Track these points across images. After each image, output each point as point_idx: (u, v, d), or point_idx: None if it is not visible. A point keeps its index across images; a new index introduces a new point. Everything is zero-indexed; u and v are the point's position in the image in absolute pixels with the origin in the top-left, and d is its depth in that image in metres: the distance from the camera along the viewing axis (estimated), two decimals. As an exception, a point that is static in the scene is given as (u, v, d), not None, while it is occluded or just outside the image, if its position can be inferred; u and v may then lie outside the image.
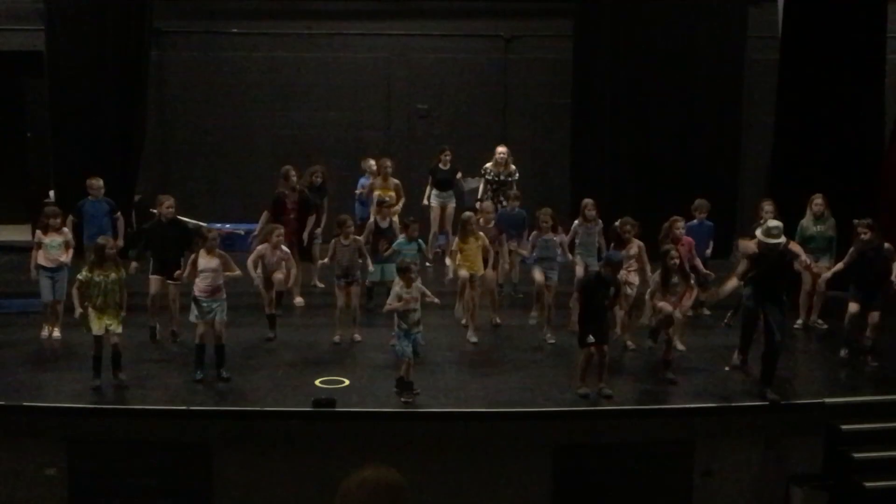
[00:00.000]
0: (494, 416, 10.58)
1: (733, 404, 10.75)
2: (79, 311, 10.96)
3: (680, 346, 12.01)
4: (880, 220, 12.81)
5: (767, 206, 12.81)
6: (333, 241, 12.49)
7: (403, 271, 10.77)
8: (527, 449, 10.65)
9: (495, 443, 10.58)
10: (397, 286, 10.76)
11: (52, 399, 10.72)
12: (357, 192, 15.65)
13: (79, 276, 10.98)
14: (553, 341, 12.44)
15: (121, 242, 13.07)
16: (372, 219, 13.60)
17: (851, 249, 12.02)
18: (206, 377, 11.06)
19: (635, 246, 12.19)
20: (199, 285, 11.11)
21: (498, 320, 13.15)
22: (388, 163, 15.05)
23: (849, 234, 12.39)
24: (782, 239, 10.72)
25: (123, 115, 15.94)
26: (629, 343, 12.17)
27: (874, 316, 11.72)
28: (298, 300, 13.65)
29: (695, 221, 13.26)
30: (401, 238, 12.61)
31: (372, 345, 12.38)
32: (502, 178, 15.16)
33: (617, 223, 12.39)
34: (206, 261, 11.13)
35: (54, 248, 12.35)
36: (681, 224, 12.41)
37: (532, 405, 10.72)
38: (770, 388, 10.70)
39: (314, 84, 18.19)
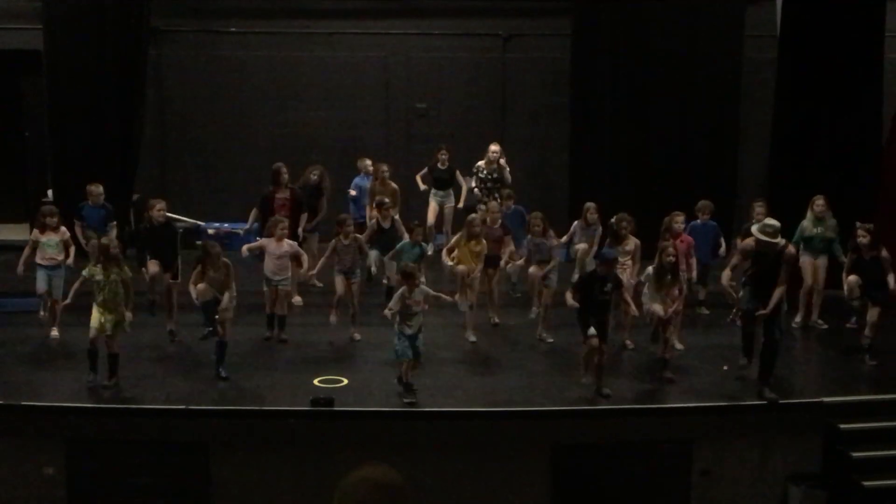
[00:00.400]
0: (493, 416, 10.59)
1: (732, 404, 10.75)
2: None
3: (678, 346, 12.02)
4: (879, 219, 12.83)
5: (759, 208, 12.84)
6: (334, 240, 12.50)
7: (407, 276, 10.77)
8: (526, 448, 10.65)
9: (494, 442, 10.59)
10: (401, 290, 10.76)
11: (50, 398, 10.71)
12: (351, 192, 15.60)
13: (83, 273, 11.02)
14: (551, 340, 12.44)
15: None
16: (374, 220, 13.61)
17: (850, 254, 12.07)
18: (228, 377, 11.10)
19: (631, 243, 12.23)
20: (206, 294, 11.14)
21: (496, 319, 13.14)
22: (385, 167, 15.00)
23: (847, 233, 12.39)
24: (780, 239, 10.68)
25: (121, 114, 15.92)
26: (628, 342, 12.15)
27: (873, 314, 11.72)
28: (297, 299, 13.64)
29: (698, 222, 13.24)
30: (405, 241, 12.63)
31: (371, 344, 12.37)
32: (495, 175, 15.17)
33: (613, 219, 12.42)
34: (212, 272, 11.15)
35: (51, 247, 12.34)
36: (680, 219, 12.41)
37: (531, 404, 10.73)
38: (768, 386, 10.71)
39: (312, 83, 18.18)
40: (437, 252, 13.07)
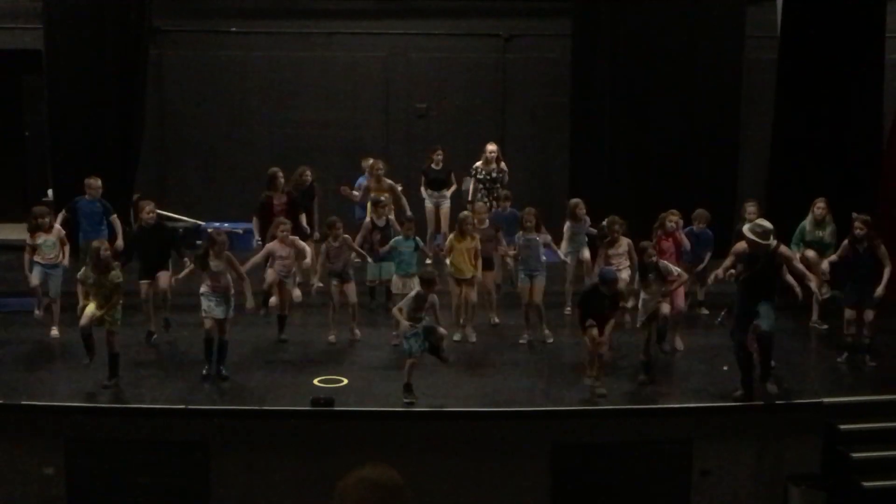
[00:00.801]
0: (493, 416, 10.59)
1: (732, 404, 10.73)
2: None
3: (679, 346, 12.01)
4: (879, 219, 12.81)
5: (751, 208, 12.82)
6: (324, 244, 12.51)
7: (428, 283, 10.73)
8: (526, 448, 10.65)
9: (494, 442, 10.58)
10: (414, 292, 10.74)
11: (49, 398, 10.72)
12: (354, 193, 15.56)
13: (79, 276, 11.03)
14: (551, 340, 12.43)
15: (120, 242, 13.11)
16: (368, 218, 13.60)
17: (845, 242, 11.97)
18: (211, 374, 11.06)
19: (624, 244, 12.23)
20: (209, 283, 11.14)
21: (496, 319, 13.14)
22: (380, 165, 14.98)
23: (847, 233, 12.38)
24: (772, 240, 10.60)
25: (122, 113, 15.91)
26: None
27: (869, 314, 11.71)
28: (296, 293, 13.63)
29: (693, 228, 13.15)
30: (399, 237, 12.63)
31: (370, 344, 12.39)
32: (494, 175, 15.17)
33: (605, 222, 12.42)
34: (214, 263, 11.17)
35: (49, 247, 12.35)
36: (675, 217, 12.37)
37: (530, 404, 10.73)
38: (769, 380, 10.68)
39: (312, 83, 18.18)
40: (437, 252, 13.08)
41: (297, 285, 13.60)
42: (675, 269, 11.50)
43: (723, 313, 11.97)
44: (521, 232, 12.58)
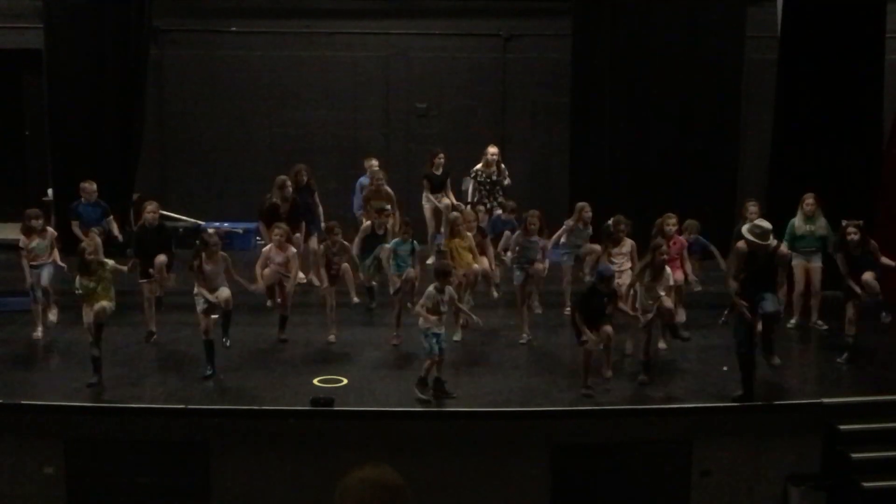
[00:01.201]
0: (493, 416, 10.59)
1: (732, 404, 10.73)
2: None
3: (662, 345, 11.93)
4: (880, 219, 12.82)
5: (752, 208, 12.78)
6: (323, 246, 12.52)
7: (442, 274, 10.74)
8: (525, 448, 10.65)
9: (493, 442, 10.58)
10: (432, 287, 10.75)
11: (49, 397, 10.72)
12: (359, 188, 15.52)
13: (76, 286, 11.04)
14: (525, 340, 12.40)
15: (119, 236, 13.14)
16: (367, 223, 13.52)
17: (839, 255, 12.00)
18: (214, 374, 11.06)
19: (628, 244, 12.21)
20: (204, 285, 11.13)
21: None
22: (381, 175, 14.92)
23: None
24: (771, 240, 10.58)
25: (122, 113, 15.90)
26: (628, 347, 12.09)
27: (868, 275, 11.69)
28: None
29: (682, 237, 13.07)
30: (397, 239, 12.62)
31: (371, 344, 12.39)
32: (494, 178, 15.15)
33: (610, 221, 12.39)
34: (209, 266, 11.18)
35: (41, 249, 12.36)
36: (672, 221, 12.33)
37: (531, 404, 10.72)
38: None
39: (313, 83, 18.18)
40: (439, 251, 13.08)
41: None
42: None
43: (725, 313, 11.92)
44: (518, 232, 12.57)
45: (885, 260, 11.93)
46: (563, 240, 13.16)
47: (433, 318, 10.53)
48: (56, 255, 12.48)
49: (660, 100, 15.61)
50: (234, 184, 17.97)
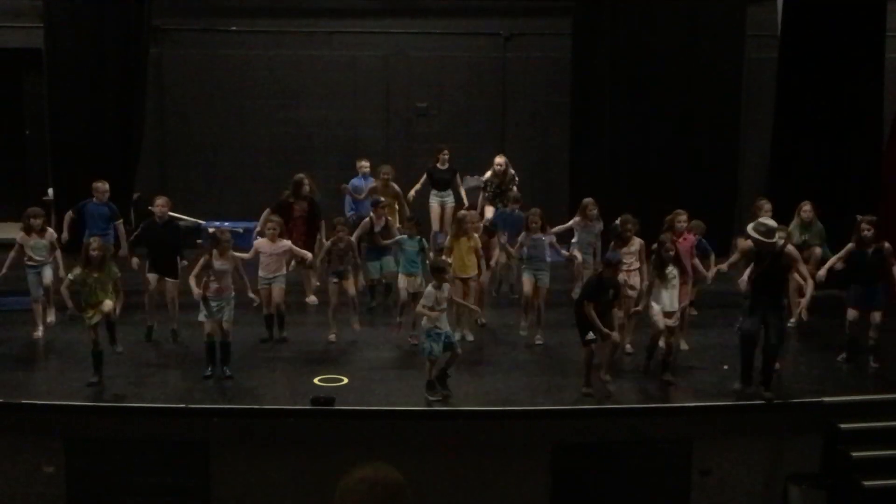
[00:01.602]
0: (493, 415, 10.58)
1: (731, 403, 10.73)
2: (70, 307, 11.07)
3: (684, 346, 12.00)
4: (880, 219, 12.79)
5: (767, 206, 12.68)
6: (328, 243, 12.51)
7: (439, 271, 10.76)
8: (526, 448, 10.65)
9: (494, 441, 10.58)
10: (430, 286, 10.75)
11: (49, 397, 10.72)
12: (350, 189, 15.51)
13: (69, 276, 11.02)
14: (540, 342, 12.40)
15: (123, 249, 13.09)
16: (367, 219, 13.56)
17: (850, 245, 11.88)
18: (214, 374, 11.07)
19: (636, 243, 12.20)
20: (210, 286, 11.12)
21: (483, 320, 13.03)
22: (385, 169, 14.94)
23: (848, 232, 12.36)
24: (777, 238, 10.55)
25: (122, 112, 15.91)
26: (628, 346, 12.10)
27: (876, 316, 11.65)
28: (311, 299, 13.59)
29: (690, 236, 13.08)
30: (403, 235, 12.62)
31: (371, 343, 12.39)
32: (503, 187, 15.13)
33: (618, 221, 12.38)
34: (219, 263, 11.15)
35: (39, 249, 12.34)
36: (683, 218, 12.27)
37: (530, 404, 10.72)
38: (768, 388, 10.67)
39: (313, 82, 18.18)
40: (439, 251, 13.08)
41: (311, 292, 13.61)
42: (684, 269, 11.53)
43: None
44: (525, 233, 12.59)
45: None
46: (574, 238, 13.14)
47: (434, 313, 10.53)
48: (57, 255, 12.46)
49: (660, 99, 15.62)
50: (234, 183, 17.98)
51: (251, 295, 11.45)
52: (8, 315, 13.22)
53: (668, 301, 11.05)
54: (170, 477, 10.44)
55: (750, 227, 10.66)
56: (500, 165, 15.14)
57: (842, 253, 11.93)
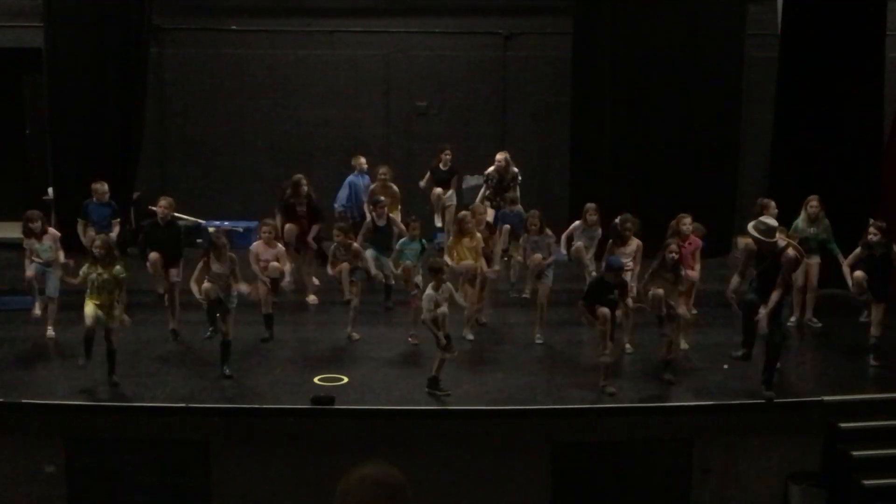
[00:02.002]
0: (493, 414, 10.58)
1: (732, 402, 10.73)
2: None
3: (684, 345, 12.00)
4: (880, 218, 12.77)
5: (773, 206, 12.61)
6: (332, 246, 12.51)
7: (435, 271, 10.78)
8: (526, 446, 10.65)
9: (494, 440, 10.58)
10: (429, 288, 10.75)
11: (50, 396, 10.71)
12: (348, 184, 15.51)
13: (80, 272, 11.03)
14: (541, 341, 12.40)
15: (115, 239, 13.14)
16: (369, 217, 13.62)
17: (858, 250, 11.90)
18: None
19: (634, 244, 12.19)
20: (211, 293, 11.12)
21: (483, 319, 13.02)
22: (383, 169, 14.94)
23: (849, 231, 12.36)
24: (778, 238, 10.51)
25: (122, 111, 15.93)
26: (627, 346, 12.09)
27: (878, 312, 11.67)
28: (311, 298, 13.61)
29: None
30: (404, 238, 12.62)
31: (371, 342, 12.38)
32: (504, 184, 15.13)
33: (617, 220, 12.37)
34: (216, 266, 11.16)
35: (45, 251, 12.34)
36: (688, 221, 12.25)
37: (531, 402, 10.72)
38: (769, 388, 10.67)
39: (313, 81, 18.17)
40: (439, 250, 13.08)
41: (312, 291, 13.61)
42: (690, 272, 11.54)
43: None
44: (525, 235, 12.60)
45: None
46: (574, 242, 13.12)
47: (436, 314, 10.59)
48: (60, 256, 12.44)
49: (660, 98, 15.63)
50: (235, 182, 17.97)
51: (242, 288, 11.32)
52: (9, 314, 13.21)
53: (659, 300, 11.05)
54: (170, 477, 10.44)
55: (750, 226, 10.64)
56: (501, 162, 15.15)
57: (850, 259, 11.95)
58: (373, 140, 17.92)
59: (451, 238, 12.69)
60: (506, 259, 14.09)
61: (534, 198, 15.57)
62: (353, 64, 18.12)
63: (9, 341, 12.42)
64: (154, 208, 12.66)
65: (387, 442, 10.19)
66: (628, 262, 12.03)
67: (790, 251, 10.53)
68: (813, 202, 12.87)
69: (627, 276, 11.87)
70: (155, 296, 13.01)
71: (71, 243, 13.12)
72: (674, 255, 11.04)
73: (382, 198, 13.82)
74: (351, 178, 15.61)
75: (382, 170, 14.94)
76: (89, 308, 10.75)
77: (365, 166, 15.46)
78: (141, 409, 10.51)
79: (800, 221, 12.90)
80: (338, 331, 12.48)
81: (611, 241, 12.38)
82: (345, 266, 12.17)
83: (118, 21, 15.73)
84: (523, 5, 17.93)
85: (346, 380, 11.11)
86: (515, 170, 15.27)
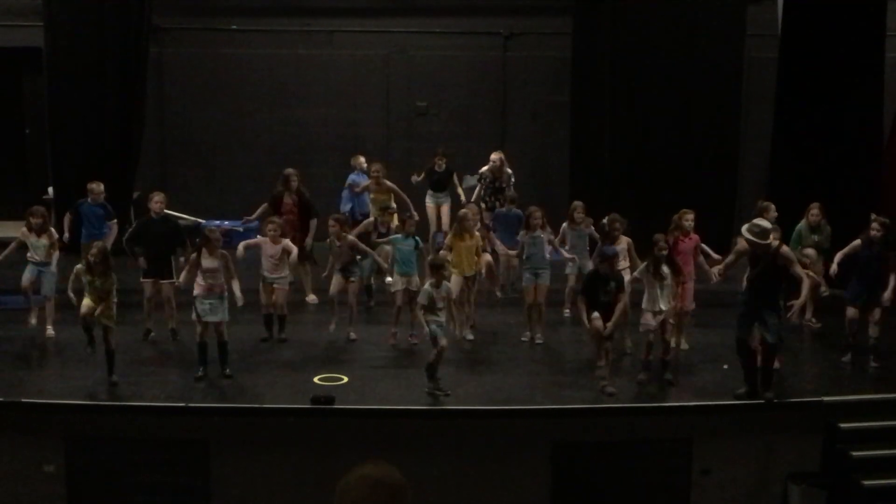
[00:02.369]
0: (493, 414, 10.58)
1: (732, 402, 10.73)
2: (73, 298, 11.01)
3: (684, 345, 11.99)
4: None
5: (772, 209, 12.58)
6: (328, 242, 12.49)
7: (437, 268, 10.77)
8: (526, 447, 10.65)
9: (494, 440, 10.58)
10: (427, 284, 10.74)
11: (50, 396, 10.71)
12: (349, 185, 15.49)
13: (76, 269, 11.00)
14: (540, 341, 12.41)
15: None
16: (372, 218, 13.62)
17: (857, 241, 11.81)
18: (206, 375, 11.06)
19: (624, 242, 12.18)
20: (201, 284, 11.09)
21: (470, 337, 12.76)
22: (376, 167, 14.91)
23: (849, 232, 12.35)
24: (771, 240, 10.50)
25: (122, 111, 15.93)
26: (628, 346, 12.07)
27: (876, 313, 11.65)
28: (311, 297, 13.60)
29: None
30: (398, 234, 12.60)
31: (371, 342, 12.38)
32: (497, 184, 15.13)
33: (605, 220, 12.38)
34: (208, 261, 11.11)
35: (40, 248, 12.34)
36: (690, 217, 12.20)
37: (531, 403, 10.72)
38: (769, 390, 10.66)
39: (313, 81, 18.18)
40: (437, 250, 13.07)
41: (312, 290, 13.60)
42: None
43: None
44: (524, 231, 12.56)
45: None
46: (567, 245, 13.06)
47: (431, 317, 10.58)
48: (53, 259, 12.42)
49: (660, 99, 15.64)
50: (234, 182, 17.98)
51: (237, 293, 11.26)
52: (8, 314, 13.21)
53: (657, 300, 11.04)
54: (170, 476, 10.44)
55: (744, 228, 10.62)
56: (496, 161, 15.16)
57: (847, 249, 11.92)
58: (372, 140, 17.92)
59: (450, 236, 12.67)
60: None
61: (534, 197, 15.55)
62: (352, 64, 18.13)
63: (9, 341, 12.42)
64: (148, 205, 12.64)
65: (387, 442, 10.18)
66: (620, 261, 12.01)
67: (784, 249, 10.57)
68: (814, 210, 12.83)
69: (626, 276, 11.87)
70: (149, 327, 12.81)
71: (69, 247, 13.12)
72: (663, 251, 11.03)
73: (394, 205, 13.84)
74: (352, 177, 15.62)
75: (375, 167, 14.91)
76: (86, 300, 10.76)
77: (364, 165, 15.47)
78: (140, 409, 10.51)
79: (802, 229, 12.87)
80: (337, 331, 12.47)
81: (600, 241, 12.38)
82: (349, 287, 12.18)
83: (118, 21, 15.74)
84: (523, 5, 17.93)
85: (346, 380, 11.11)
86: (509, 171, 15.27)
